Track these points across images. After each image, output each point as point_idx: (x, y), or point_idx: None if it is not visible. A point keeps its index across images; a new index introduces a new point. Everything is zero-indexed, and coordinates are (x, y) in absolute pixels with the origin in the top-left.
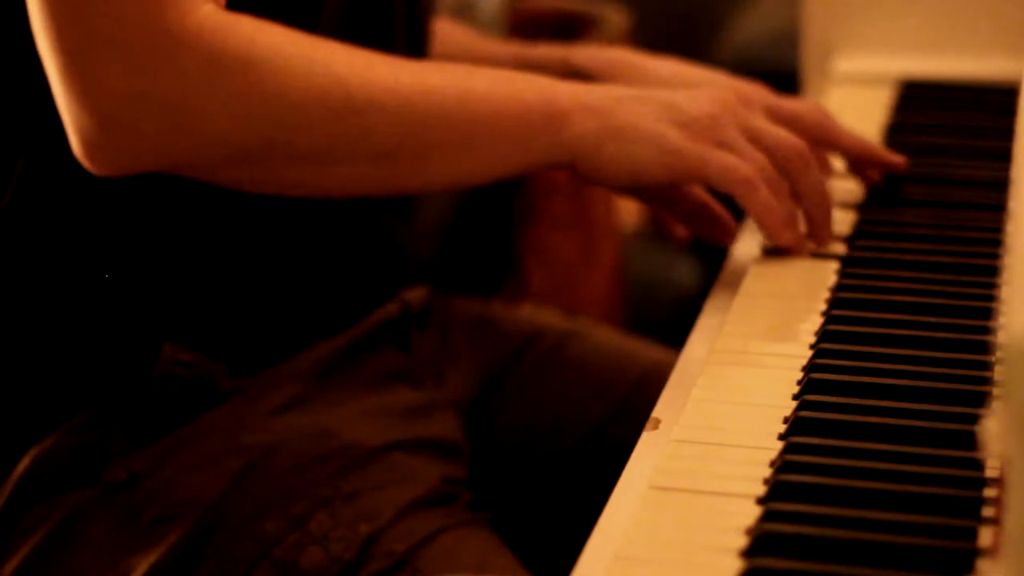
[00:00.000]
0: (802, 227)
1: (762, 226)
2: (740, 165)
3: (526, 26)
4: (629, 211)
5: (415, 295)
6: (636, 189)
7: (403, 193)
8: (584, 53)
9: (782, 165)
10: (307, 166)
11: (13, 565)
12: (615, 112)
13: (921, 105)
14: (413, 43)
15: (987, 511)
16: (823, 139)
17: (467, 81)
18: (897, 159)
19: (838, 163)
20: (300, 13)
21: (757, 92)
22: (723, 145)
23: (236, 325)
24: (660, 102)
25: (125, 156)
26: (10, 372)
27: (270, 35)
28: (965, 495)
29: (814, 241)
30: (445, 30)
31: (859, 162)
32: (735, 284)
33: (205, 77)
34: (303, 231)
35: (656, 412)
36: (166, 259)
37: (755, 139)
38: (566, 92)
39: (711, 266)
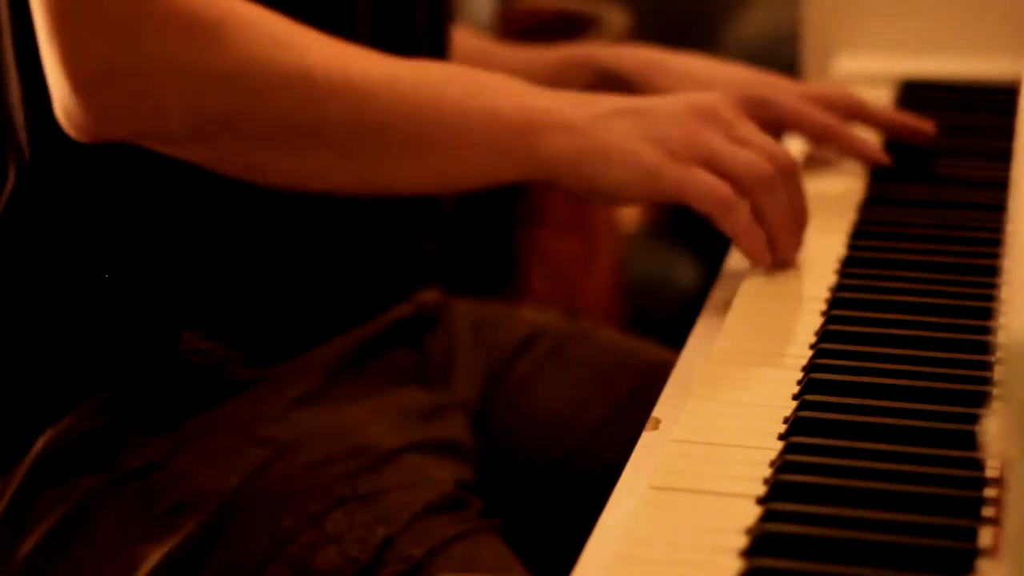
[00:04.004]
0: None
1: (741, 248)
2: (716, 186)
3: (525, 26)
4: (629, 211)
5: (429, 296)
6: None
7: (374, 193)
8: (608, 53)
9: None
10: (269, 150)
11: (27, 548)
12: (593, 131)
13: (921, 105)
14: (434, 50)
15: (987, 511)
16: (855, 114)
17: (441, 84)
18: (927, 126)
19: (837, 165)
20: (332, 20)
21: (786, 84)
22: (703, 157)
23: (254, 316)
24: (641, 118)
25: (95, 122)
26: (28, 352)
27: (242, 13)
28: (965, 495)
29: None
30: (459, 37)
31: (892, 132)
32: (735, 284)
33: (170, 46)
34: (323, 227)
35: (656, 412)
36: (185, 247)
37: (740, 144)
38: (545, 106)
39: (711, 266)
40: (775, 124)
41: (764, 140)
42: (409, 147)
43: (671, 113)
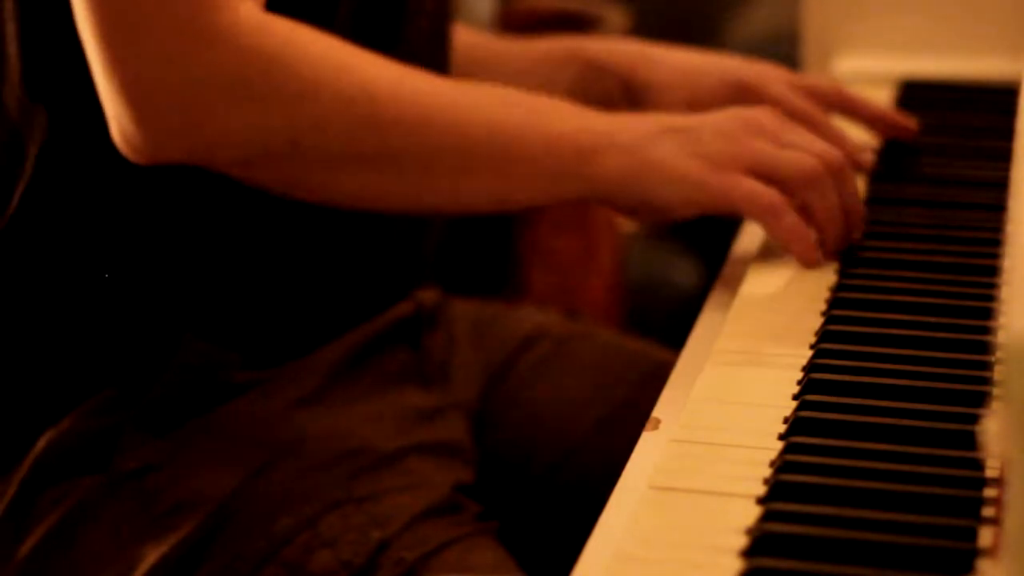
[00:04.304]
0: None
1: (790, 250)
2: (763, 193)
3: (525, 25)
4: None
5: (428, 295)
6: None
7: (430, 212)
8: (597, 46)
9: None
10: (333, 172)
11: (27, 548)
12: (642, 150)
13: (921, 105)
14: (437, 49)
15: (987, 511)
16: (842, 106)
17: (499, 108)
18: (911, 124)
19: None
20: (313, 15)
21: (774, 72)
22: (751, 166)
23: (254, 318)
24: (687, 135)
25: (155, 146)
26: (29, 353)
27: (304, 38)
28: (965, 495)
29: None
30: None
31: (876, 126)
32: (735, 284)
33: (233, 74)
34: (322, 228)
35: (656, 412)
36: (187, 250)
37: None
38: (600, 128)
39: (711, 266)
40: None
41: (812, 141)
42: (468, 169)
43: (717, 128)
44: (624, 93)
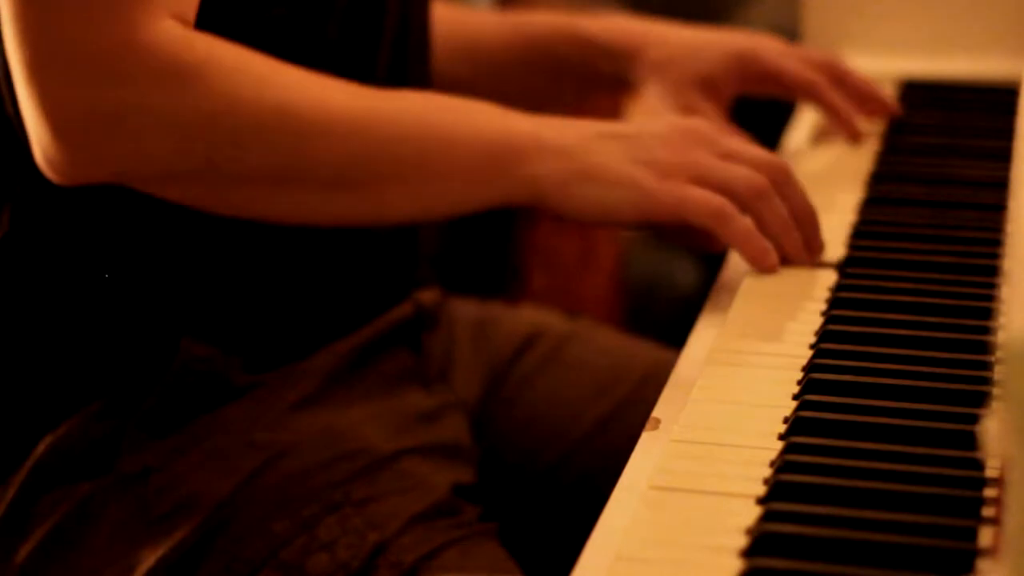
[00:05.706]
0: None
1: (743, 255)
2: (711, 198)
3: None
4: None
5: (428, 296)
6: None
7: (360, 224)
8: (596, 25)
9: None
10: (253, 188)
11: (26, 551)
12: (582, 153)
13: (921, 105)
14: (419, 41)
15: (987, 511)
16: (835, 78)
17: (425, 114)
18: (896, 108)
19: (837, 165)
20: (307, 27)
21: (771, 43)
22: (696, 177)
23: (254, 321)
24: (629, 141)
25: (76, 167)
26: (29, 358)
27: (223, 54)
28: (965, 495)
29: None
30: (441, 10)
31: (864, 102)
32: (735, 284)
33: (150, 92)
34: (319, 231)
35: (656, 412)
36: (185, 256)
37: (730, 159)
38: (528, 130)
39: (711, 266)
40: (761, 80)
41: (752, 151)
42: (395, 179)
43: (658, 135)
44: (617, 74)
